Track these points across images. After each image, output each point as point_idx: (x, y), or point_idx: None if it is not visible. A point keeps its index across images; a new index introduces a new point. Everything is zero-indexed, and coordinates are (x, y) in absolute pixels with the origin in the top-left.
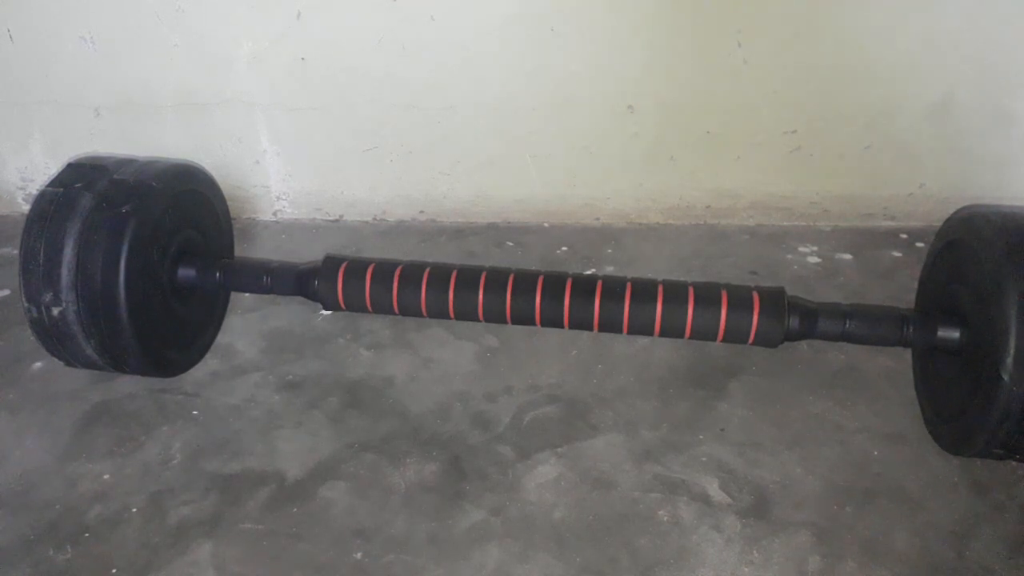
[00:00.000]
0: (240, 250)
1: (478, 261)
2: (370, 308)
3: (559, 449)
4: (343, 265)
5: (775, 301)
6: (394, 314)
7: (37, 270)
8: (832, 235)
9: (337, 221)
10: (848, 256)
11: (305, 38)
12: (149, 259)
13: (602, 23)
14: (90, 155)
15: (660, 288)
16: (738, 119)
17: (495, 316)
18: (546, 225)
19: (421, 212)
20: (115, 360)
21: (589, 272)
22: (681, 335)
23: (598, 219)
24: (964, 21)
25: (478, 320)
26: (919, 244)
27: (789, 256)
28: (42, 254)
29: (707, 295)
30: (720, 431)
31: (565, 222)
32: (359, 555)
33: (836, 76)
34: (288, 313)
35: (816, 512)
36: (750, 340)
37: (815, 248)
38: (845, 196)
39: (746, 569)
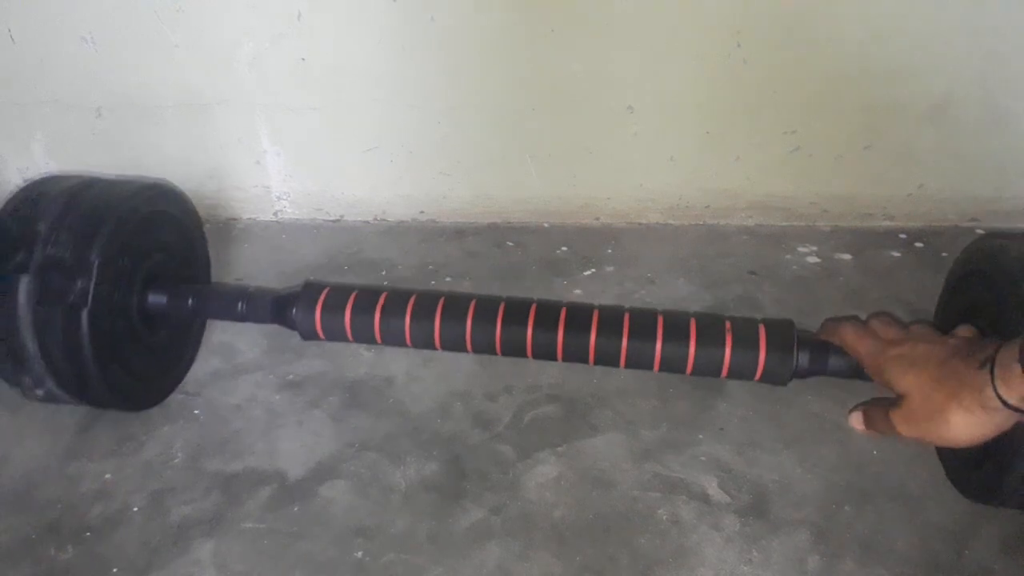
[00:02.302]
0: (241, 251)
1: (478, 261)
2: (351, 338)
3: (559, 448)
4: (324, 292)
5: (783, 336)
6: (377, 344)
7: (6, 362)
8: (831, 235)
9: (338, 221)
10: (847, 256)
11: (305, 38)
12: (114, 312)
13: (602, 23)
14: (29, 193)
15: (660, 321)
16: (738, 119)
17: (484, 347)
18: (546, 225)
19: (421, 212)
20: (103, 407)
21: (589, 272)
22: (683, 371)
23: (598, 219)
24: (964, 21)
25: (466, 351)
26: (918, 244)
27: (788, 256)
28: (5, 347)
29: (710, 329)
30: (719, 430)
31: (565, 222)
32: (360, 554)
33: (836, 76)
34: None
35: (815, 511)
36: (756, 377)
37: (814, 248)
38: (844, 196)
39: (745, 568)
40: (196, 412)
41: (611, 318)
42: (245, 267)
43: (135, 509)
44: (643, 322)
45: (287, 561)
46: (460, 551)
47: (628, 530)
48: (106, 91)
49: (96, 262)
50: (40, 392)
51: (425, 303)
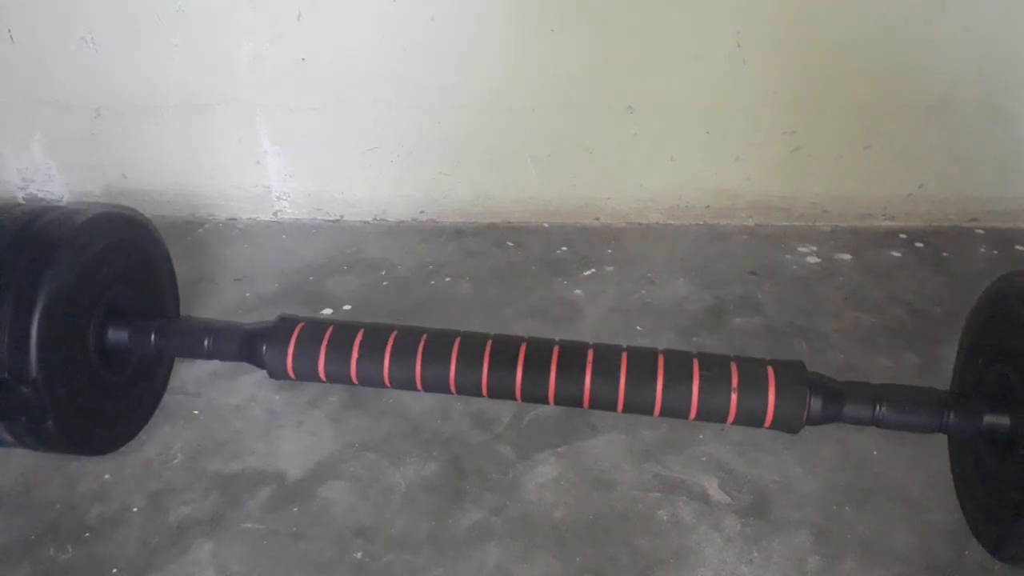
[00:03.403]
0: (241, 251)
1: (478, 261)
2: (324, 379)
3: (559, 449)
4: (297, 329)
5: (794, 380)
6: (353, 384)
7: None
8: (831, 235)
9: (338, 221)
10: (847, 256)
11: (305, 38)
12: (69, 361)
13: (601, 23)
14: None
15: (661, 362)
16: (738, 119)
17: (469, 390)
18: (546, 225)
19: (421, 212)
20: (68, 454)
21: (589, 272)
22: (685, 417)
23: (598, 219)
24: (964, 21)
25: (450, 393)
26: (918, 244)
27: (788, 256)
28: None
29: (714, 371)
30: (720, 430)
31: (565, 222)
32: (359, 554)
33: (836, 76)
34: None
35: (816, 512)
36: (766, 424)
37: (814, 248)
38: (844, 196)
39: (745, 568)
40: (196, 412)
41: (607, 359)
42: (245, 267)
43: (134, 509)
44: (642, 364)
45: (287, 562)
46: (460, 552)
47: (628, 531)
48: (106, 91)
49: (40, 378)
50: (13, 443)
51: (405, 342)
